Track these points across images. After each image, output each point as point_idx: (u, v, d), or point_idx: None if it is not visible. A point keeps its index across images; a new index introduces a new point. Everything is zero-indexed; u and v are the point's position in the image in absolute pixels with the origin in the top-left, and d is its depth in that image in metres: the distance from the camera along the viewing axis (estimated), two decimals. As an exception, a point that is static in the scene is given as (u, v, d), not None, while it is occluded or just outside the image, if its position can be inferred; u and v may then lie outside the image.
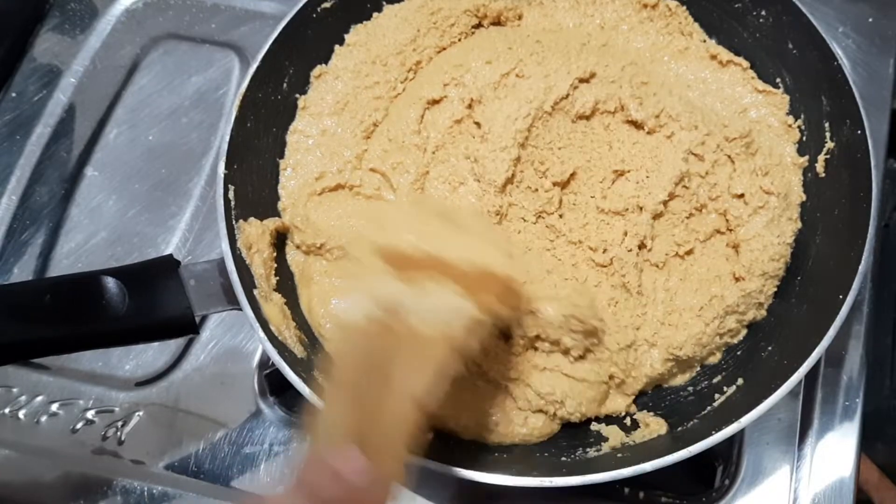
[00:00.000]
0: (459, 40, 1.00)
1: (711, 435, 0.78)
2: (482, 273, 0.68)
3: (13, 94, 1.20)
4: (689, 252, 0.91)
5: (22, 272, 1.09)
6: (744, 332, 0.92)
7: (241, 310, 0.81)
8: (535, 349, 0.86)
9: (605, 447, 0.86)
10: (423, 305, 0.66)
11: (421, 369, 0.65)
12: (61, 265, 1.09)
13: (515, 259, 0.73)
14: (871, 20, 1.16)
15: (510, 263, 0.70)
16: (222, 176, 0.87)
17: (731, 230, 0.90)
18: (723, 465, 0.98)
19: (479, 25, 1.02)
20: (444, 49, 1.00)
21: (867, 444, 0.98)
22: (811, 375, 0.81)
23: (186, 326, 0.81)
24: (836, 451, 0.96)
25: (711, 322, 0.88)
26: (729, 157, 0.91)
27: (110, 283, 0.78)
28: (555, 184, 0.91)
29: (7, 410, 1.01)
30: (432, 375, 0.65)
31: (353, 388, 0.64)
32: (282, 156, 0.96)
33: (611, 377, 0.87)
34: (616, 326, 0.87)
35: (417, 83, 0.98)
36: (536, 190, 0.91)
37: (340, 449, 0.60)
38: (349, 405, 0.64)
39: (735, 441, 0.97)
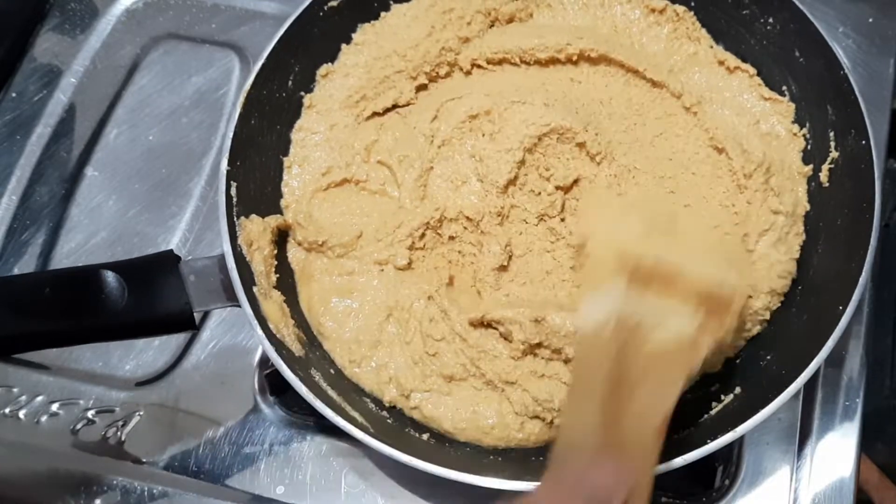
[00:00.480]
0: (479, 36, 1.00)
1: (707, 443, 0.78)
2: (711, 294, 0.70)
3: (13, 94, 1.20)
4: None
5: (22, 272, 1.09)
6: (744, 343, 0.92)
7: (240, 307, 0.81)
8: (535, 355, 0.86)
9: (601, 452, 0.85)
10: (658, 322, 0.69)
11: (663, 389, 0.68)
12: (61, 265, 1.09)
13: (743, 276, 0.75)
14: (871, 20, 1.16)
15: (738, 285, 0.72)
16: (225, 172, 0.87)
17: None
18: (723, 465, 0.97)
19: (492, 25, 1.02)
20: (469, 40, 1.00)
21: (867, 444, 0.98)
22: (811, 376, 0.82)
23: (185, 322, 0.81)
24: (837, 451, 0.96)
25: None
26: (745, 187, 0.91)
27: (110, 277, 0.78)
28: (557, 188, 0.91)
29: (7, 410, 1.00)
30: (674, 396, 0.68)
31: (597, 395, 0.66)
32: (285, 153, 0.96)
33: None
34: None
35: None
36: (539, 193, 0.91)
37: (595, 459, 0.63)
38: (594, 413, 0.65)
39: (735, 441, 0.96)
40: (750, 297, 0.84)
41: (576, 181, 0.92)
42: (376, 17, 1.01)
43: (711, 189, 0.92)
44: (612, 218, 0.75)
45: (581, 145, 0.91)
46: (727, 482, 0.96)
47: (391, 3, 1.01)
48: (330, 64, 0.99)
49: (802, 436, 0.97)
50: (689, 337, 0.70)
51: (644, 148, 0.95)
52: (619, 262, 0.70)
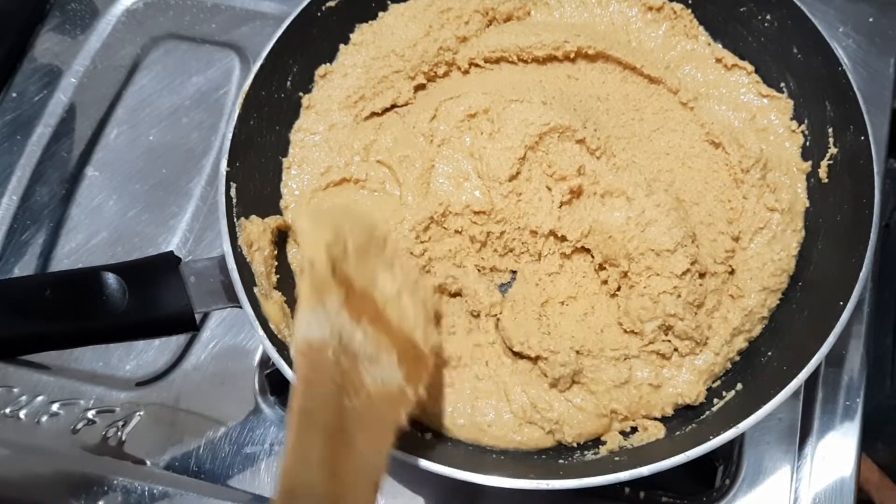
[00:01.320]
0: (476, 35, 1.00)
1: (709, 440, 0.78)
2: (410, 343, 0.71)
3: (14, 94, 1.20)
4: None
5: (22, 272, 1.09)
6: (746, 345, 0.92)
7: (240, 307, 0.81)
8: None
9: (603, 450, 0.85)
10: (373, 358, 0.67)
11: (380, 440, 0.67)
12: (62, 265, 1.09)
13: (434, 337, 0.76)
14: (871, 20, 1.16)
15: (433, 342, 0.73)
16: (224, 173, 0.87)
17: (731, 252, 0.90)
18: (723, 464, 0.97)
19: (489, 24, 1.02)
20: (466, 39, 1.00)
21: (867, 444, 0.98)
22: (812, 375, 0.82)
23: (186, 323, 0.81)
24: (837, 451, 0.96)
25: (721, 350, 0.87)
26: (741, 181, 0.91)
27: (110, 278, 0.78)
28: (562, 178, 0.91)
29: (7, 410, 1.01)
30: (388, 448, 0.67)
31: (321, 424, 0.63)
32: (284, 154, 0.96)
33: (613, 412, 0.86)
34: (608, 358, 0.86)
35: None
36: (543, 189, 0.91)
37: None
38: (320, 445, 0.62)
39: (736, 441, 0.96)
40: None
41: (580, 169, 0.91)
42: (374, 17, 1.01)
43: (707, 184, 0.92)
44: (329, 224, 0.68)
45: (581, 142, 0.91)
46: (728, 482, 0.96)
47: (389, 3, 1.01)
48: (328, 64, 0.99)
49: (803, 435, 0.97)
50: (399, 383, 0.68)
51: (642, 142, 0.96)
52: (333, 274, 0.66)
